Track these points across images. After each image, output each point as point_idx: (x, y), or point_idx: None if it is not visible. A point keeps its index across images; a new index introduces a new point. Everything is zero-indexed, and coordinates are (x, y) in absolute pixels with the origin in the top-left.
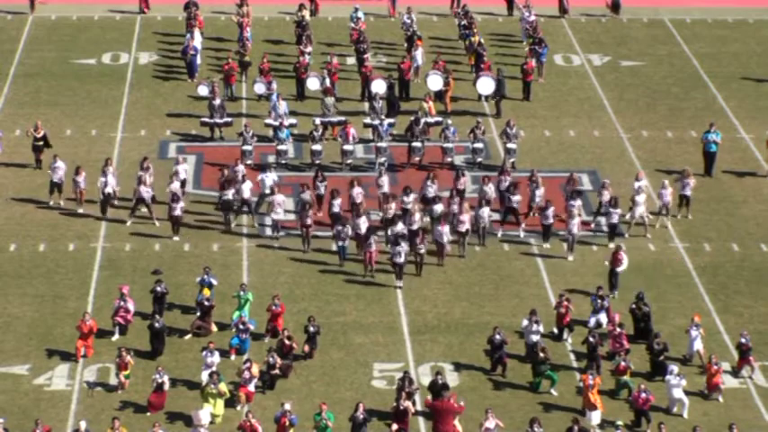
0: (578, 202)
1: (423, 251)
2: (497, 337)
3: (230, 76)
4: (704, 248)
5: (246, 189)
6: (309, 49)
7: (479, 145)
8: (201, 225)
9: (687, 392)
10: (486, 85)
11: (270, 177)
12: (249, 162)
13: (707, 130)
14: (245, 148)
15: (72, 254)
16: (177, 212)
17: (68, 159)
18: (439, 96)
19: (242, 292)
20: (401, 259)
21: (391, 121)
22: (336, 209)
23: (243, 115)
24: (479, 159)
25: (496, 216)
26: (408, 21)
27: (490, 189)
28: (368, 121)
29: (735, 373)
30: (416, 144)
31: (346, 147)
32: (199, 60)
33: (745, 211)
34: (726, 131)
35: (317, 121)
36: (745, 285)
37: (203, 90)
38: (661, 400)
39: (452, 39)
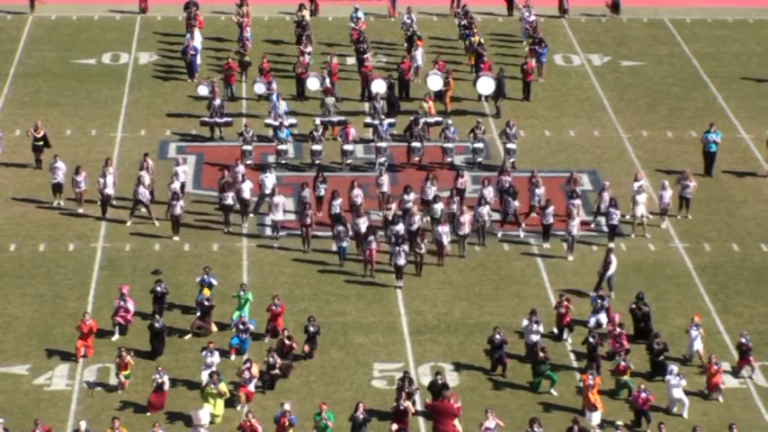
0: (578, 202)
1: (423, 251)
2: (497, 337)
3: (230, 76)
4: (704, 248)
5: (246, 189)
6: (309, 49)
7: (479, 145)
8: (201, 225)
9: (687, 392)
10: (486, 85)
11: (270, 178)
12: (249, 162)
13: (707, 130)
14: (245, 148)
15: (72, 254)
16: (177, 212)
17: (68, 159)
18: (439, 96)
19: (242, 292)
20: (401, 260)
21: (391, 121)
22: (337, 209)
23: (243, 115)
24: (479, 159)
25: (496, 216)
26: (408, 21)
27: (489, 192)
28: (368, 120)
29: (735, 373)
30: (416, 144)
31: (346, 147)
32: (199, 60)
33: (745, 211)
34: (726, 131)
35: (317, 121)
36: (745, 285)
37: (203, 90)
38: (661, 400)
39: (452, 39)
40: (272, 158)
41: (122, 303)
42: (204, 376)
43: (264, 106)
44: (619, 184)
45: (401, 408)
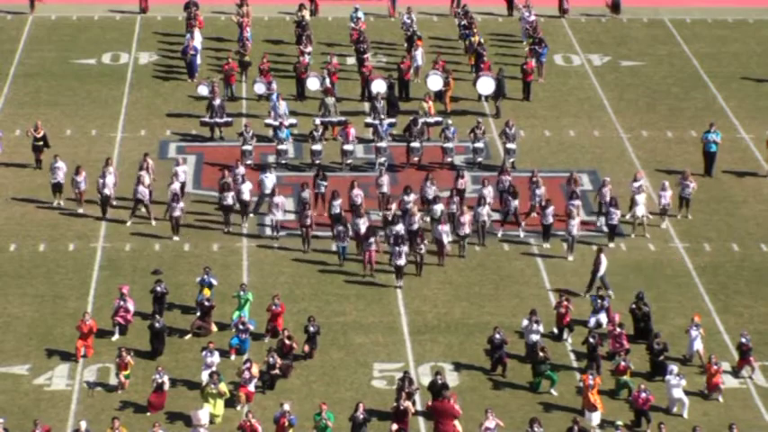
0: (578, 203)
1: (423, 251)
2: (497, 336)
3: (230, 76)
4: (704, 248)
5: (246, 190)
6: (309, 49)
7: (480, 145)
8: (201, 225)
9: (687, 392)
10: (486, 85)
11: (270, 179)
12: (249, 162)
13: (707, 130)
14: (245, 148)
15: (72, 254)
16: (177, 213)
17: (68, 159)
18: (439, 96)
19: (242, 292)
20: (401, 260)
21: (392, 121)
22: (337, 210)
23: (243, 115)
24: (479, 159)
25: (496, 216)
26: (408, 21)
27: (489, 192)
28: (369, 120)
29: (735, 373)
30: (415, 144)
31: (346, 147)
32: (199, 60)
33: (745, 211)
34: (726, 131)
35: (317, 121)
36: (745, 285)
37: (203, 90)
38: (661, 400)
39: (452, 39)
40: (272, 158)
41: (122, 303)
42: (204, 376)
43: (264, 106)
44: (619, 183)
45: (401, 408)
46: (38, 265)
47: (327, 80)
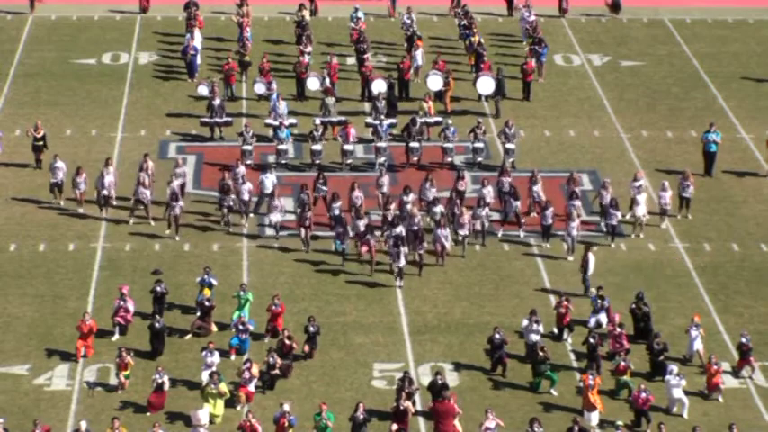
0: (578, 203)
1: (423, 251)
2: (497, 336)
3: (230, 76)
4: (704, 248)
5: (246, 191)
6: (309, 49)
7: (480, 145)
8: (201, 225)
9: (687, 392)
10: (486, 85)
11: (270, 179)
12: (249, 162)
13: (707, 130)
14: (245, 148)
15: (72, 254)
16: (177, 211)
17: (68, 159)
18: (439, 96)
19: (242, 292)
20: (401, 261)
21: (392, 121)
22: (337, 212)
23: (243, 115)
24: (479, 159)
25: (496, 216)
26: (408, 21)
27: (489, 192)
28: (369, 120)
29: (735, 373)
30: (414, 144)
31: (346, 147)
32: (199, 60)
33: (745, 211)
34: (726, 131)
35: (317, 121)
36: (745, 285)
37: (203, 90)
38: (661, 400)
39: (452, 39)
40: (272, 158)
41: (122, 303)
42: (204, 376)
43: (264, 106)
44: (619, 183)
45: (401, 408)
46: (38, 265)
47: (327, 80)
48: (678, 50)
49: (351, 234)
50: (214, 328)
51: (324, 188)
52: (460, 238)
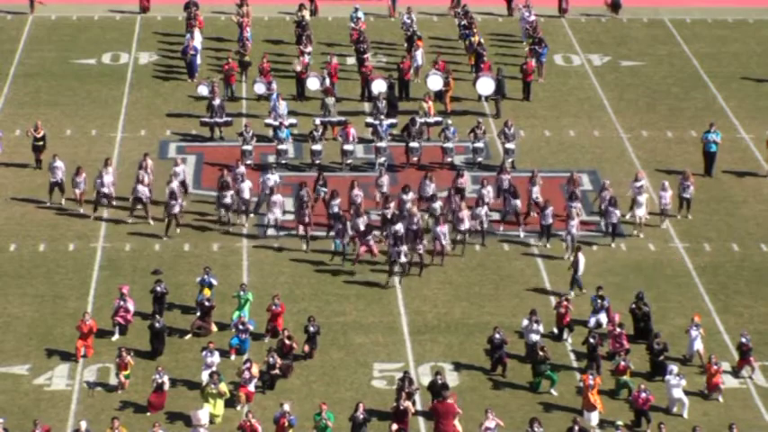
0: (578, 203)
1: (422, 251)
2: (497, 336)
3: (230, 76)
4: (704, 248)
5: (246, 189)
6: (309, 49)
7: (480, 145)
8: (201, 225)
9: (687, 392)
10: (485, 85)
11: (272, 179)
12: (249, 162)
13: (707, 130)
14: (245, 148)
15: (72, 254)
16: (176, 210)
17: (68, 159)
18: (439, 96)
19: (242, 292)
20: (402, 260)
21: (393, 121)
22: (336, 209)
23: (243, 115)
24: (479, 159)
25: (496, 216)
26: (408, 21)
27: (488, 191)
28: (370, 120)
29: (735, 373)
30: (413, 144)
31: (346, 147)
32: (199, 60)
33: (745, 211)
34: (726, 131)
35: (317, 121)
36: (745, 285)
37: (203, 90)
38: (661, 400)
39: (452, 39)
40: (272, 158)
41: (122, 303)
42: (204, 376)
43: (264, 106)
44: (619, 183)
45: (401, 408)
46: (38, 265)
47: (327, 80)
48: (678, 50)
49: (350, 232)
50: (214, 328)
51: (323, 189)
52: (459, 236)
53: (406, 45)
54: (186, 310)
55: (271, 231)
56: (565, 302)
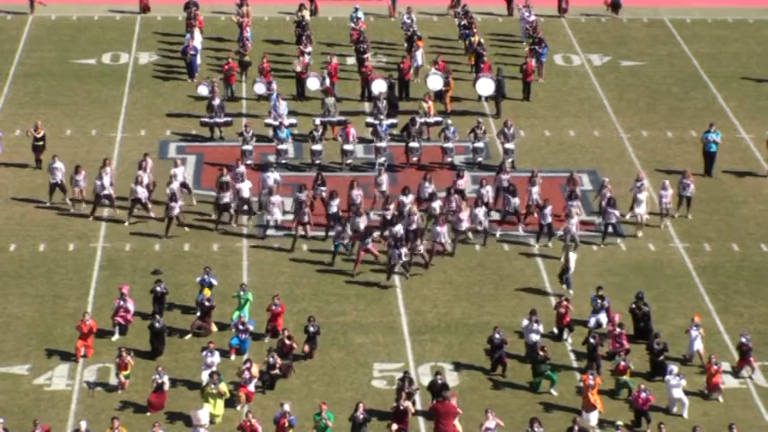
0: (577, 203)
1: (422, 251)
2: (497, 336)
3: (230, 76)
4: (704, 248)
5: (246, 189)
6: (309, 49)
7: (480, 145)
8: (201, 225)
9: (687, 392)
10: (485, 86)
11: (272, 178)
12: (249, 162)
13: (707, 130)
14: (245, 147)
15: (72, 254)
16: (176, 211)
17: (68, 159)
18: (439, 96)
19: (242, 292)
20: (400, 261)
21: (393, 121)
22: (334, 209)
23: (243, 115)
24: (479, 159)
25: (495, 216)
26: (408, 21)
27: (487, 191)
28: (370, 120)
29: (735, 373)
30: (413, 144)
31: (346, 147)
32: (199, 60)
33: (745, 211)
34: (726, 131)
35: (317, 121)
36: (745, 285)
37: (203, 90)
38: (661, 400)
39: (452, 39)
40: (272, 158)
41: (122, 303)
42: (204, 376)
43: (264, 106)
44: (619, 183)
45: (401, 408)
46: (38, 265)
47: (327, 80)
48: (678, 50)
49: (350, 232)
50: (214, 328)
51: (322, 188)
52: (459, 236)
53: (406, 45)
54: (186, 310)
55: (271, 232)
56: (565, 302)
